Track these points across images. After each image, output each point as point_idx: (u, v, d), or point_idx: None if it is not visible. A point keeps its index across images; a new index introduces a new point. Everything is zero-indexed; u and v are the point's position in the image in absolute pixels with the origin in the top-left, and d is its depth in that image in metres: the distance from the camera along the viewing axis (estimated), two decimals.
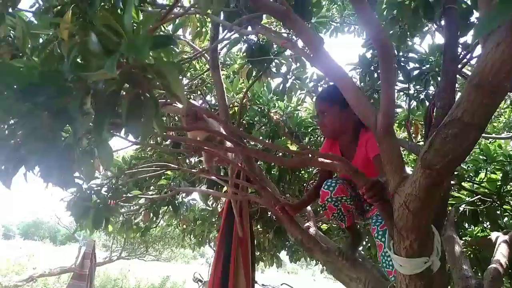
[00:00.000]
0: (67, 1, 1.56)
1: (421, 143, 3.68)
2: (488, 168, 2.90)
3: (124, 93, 0.84)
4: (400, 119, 3.67)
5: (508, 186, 2.81)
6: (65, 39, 1.17)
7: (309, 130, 3.64)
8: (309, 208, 2.28)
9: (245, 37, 2.43)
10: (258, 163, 2.92)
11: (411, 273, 1.15)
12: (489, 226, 3.10)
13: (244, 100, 3.10)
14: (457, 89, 2.17)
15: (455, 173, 2.77)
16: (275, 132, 3.28)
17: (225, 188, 3.17)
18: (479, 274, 2.80)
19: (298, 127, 3.44)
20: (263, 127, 3.51)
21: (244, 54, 2.72)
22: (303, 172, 3.48)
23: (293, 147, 2.90)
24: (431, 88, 3.07)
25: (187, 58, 2.84)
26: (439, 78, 2.83)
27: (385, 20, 1.82)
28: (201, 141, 1.78)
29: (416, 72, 2.98)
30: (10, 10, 1.69)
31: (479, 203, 2.91)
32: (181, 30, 3.06)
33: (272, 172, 3.18)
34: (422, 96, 3.17)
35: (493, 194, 2.80)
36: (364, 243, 3.69)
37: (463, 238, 3.04)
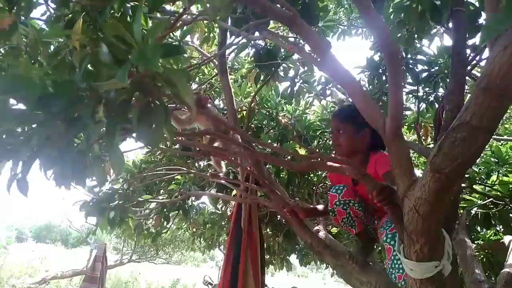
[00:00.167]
0: (78, 10, 1.59)
1: (431, 145, 3.65)
2: (500, 171, 2.87)
3: (134, 101, 0.86)
4: (410, 122, 3.65)
5: None
6: (76, 48, 1.20)
7: (318, 133, 3.64)
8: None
9: (252, 42, 2.45)
10: (267, 166, 2.93)
11: (421, 277, 1.14)
12: (502, 229, 3.06)
13: (252, 104, 3.11)
14: (467, 91, 2.16)
15: (466, 175, 2.74)
16: (284, 135, 3.29)
17: (234, 192, 3.18)
18: (492, 278, 2.76)
19: (307, 131, 3.44)
20: (272, 131, 3.51)
21: (252, 58, 2.74)
22: (312, 175, 3.48)
23: (302, 151, 2.90)
24: (441, 90, 3.05)
25: (196, 63, 2.87)
26: (448, 80, 2.82)
27: (392, 23, 1.82)
28: (210, 145, 1.79)
29: (425, 74, 2.96)
30: (22, 18, 1.73)
31: (491, 206, 2.87)
32: (189, 36, 3.09)
33: (281, 175, 3.18)
34: (431, 98, 3.15)
35: (505, 197, 2.76)
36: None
37: (475, 242, 3.00)
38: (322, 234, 2.02)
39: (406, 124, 3.73)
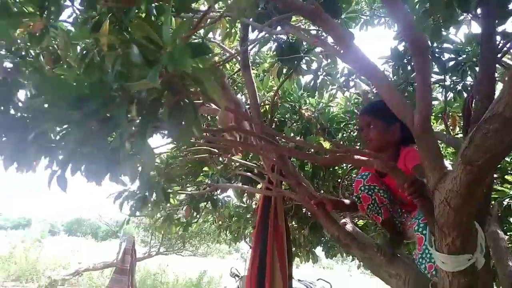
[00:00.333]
0: (104, 11, 1.63)
1: (459, 135, 3.56)
2: None
3: (164, 100, 0.89)
4: (437, 112, 3.56)
5: None
6: (104, 49, 1.24)
7: (342, 126, 3.61)
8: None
9: (274, 36, 2.44)
10: (291, 159, 2.93)
11: (453, 270, 1.13)
12: None
13: (275, 98, 3.11)
14: (497, 78, 2.08)
15: (498, 166, 2.66)
16: (307, 128, 3.27)
17: (259, 185, 3.20)
18: None
19: (330, 123, 3.41)
20: (295, 124, 3.50)
21: (274, 53, 2.73)
22: (337, 168, 3.45)
23: (326, 144, 2.89)
24: (469, 78, 2.96)
25: (220, 60, 2.89)
26: (476, 69, 2.73)
27: (417, 14, 1.77)
28: (235, 141, 1.81)
29: (452, 63, 2.87)
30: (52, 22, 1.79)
31: None
32: (210, 32, 3.11)
33: (306, 168, 3.18)
34: (459, 88, 3.05)
35: None
36: None
37: (508, 233, 2.92)
38: (349, 226, 2.01)
39: (433, 114, 3.64)
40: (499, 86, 1.95)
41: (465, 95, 3.00)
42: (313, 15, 1.20)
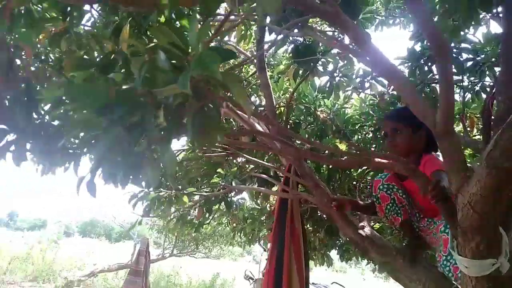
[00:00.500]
0: (125, 16, 1.66)
1: (477, 137, 3.51)
2: None
3: (188, 105, 0.90)
4: (455, 113, 3.50)
5: None
6: (123, 49, 1.27)
7: (357, 127, 3.58)
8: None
9: (291, 38, 2.45)
10: (307, 161, 2.92)
11: (477, 274, 1.11)
12: None
13: (290, 100, 3.11)
14: None
15: None
16: (322, 130, 3.26)
17: (275, 188, 3.20)
18: None
19: (346, 125, 3.39)
20: (309, 126, 3.49)
21: (290, 54, 2.73)
22: (352, 170, 3.43)
23: (342, 146, 2.87)
24: (487, 79, 2.91)
25: (238, 63, 2.91)
26: (496, 69, 2.69)
27: (437, 14, 1.76)
28: (251, 143, 1.82)
29: (470, 63, 2.84)
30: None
31: None
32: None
33: (322, 171, 3.16)
34: (477, 88, 3.01)
35: None
36: None
37: None
38: (367, 230, 2.00)
39: None
40: None
41: (484, 96, 2.96)
42: (333, 18, 1.20)
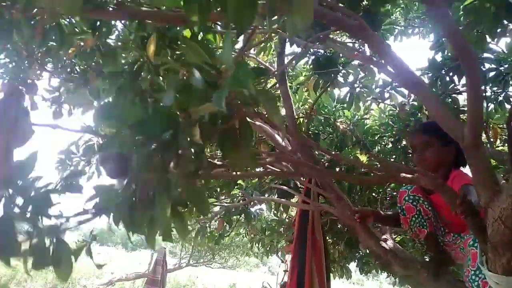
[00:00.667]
0: (150, 31, 1.71)
1: (500, 147, 3.44)
2: None
3: (220, 123, 0.91)
4: None
5: None
6: (150, 60, 1.31)
7: (376, 138, 3.56)
8: None
9: (312, 50, 2.47)
10: None
11: None
12: None
13: (310, 111, 3.12)
14: None
15: None
16: (342, 141, 3.25)
17: (295, 199, 3.20)
18: None
19: (365, 136, 3.38)
20: (329, 136, 3.49)
21: (311, 66, 2.75)
22: None
23: (363, 157, 2.86)
24: (511, 89, 2.87)
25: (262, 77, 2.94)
26: None
27: (461, 26, 1.75)
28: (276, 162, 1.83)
29: (492, 73, 2.81)
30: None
31: None
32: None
33: (342, 182, 3.15)
34: (500, 98, 2.98)
35: None
36: None
37: None
38: (390, 242, 1.98)
39: None
40: None
41: (507, 106, 2.92)
42: (358, 31, 1.21)
